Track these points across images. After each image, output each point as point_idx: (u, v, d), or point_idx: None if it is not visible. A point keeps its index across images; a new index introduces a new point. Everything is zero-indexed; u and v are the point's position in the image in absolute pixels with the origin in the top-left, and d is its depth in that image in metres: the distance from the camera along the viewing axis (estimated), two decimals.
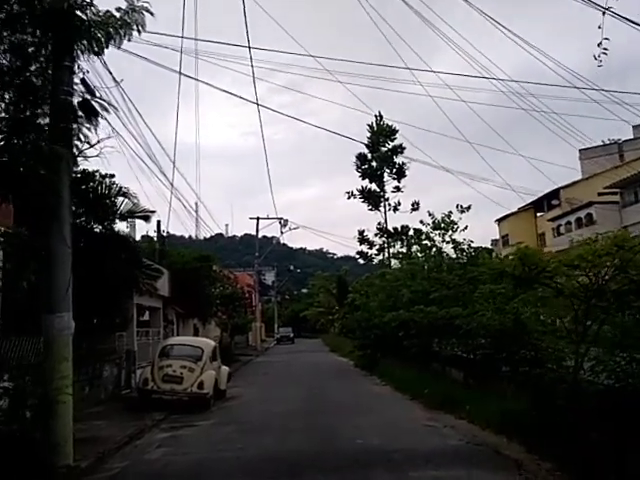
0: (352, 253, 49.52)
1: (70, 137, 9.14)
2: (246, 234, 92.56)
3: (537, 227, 54.44)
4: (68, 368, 8.88)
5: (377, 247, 35.99)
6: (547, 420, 9.13)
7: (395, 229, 35.52)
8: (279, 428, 12.27)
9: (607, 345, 8.73)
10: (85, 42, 8.53)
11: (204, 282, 28.72)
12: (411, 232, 31.37)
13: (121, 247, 15.63)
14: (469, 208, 21.45)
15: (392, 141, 35.83)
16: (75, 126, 9.10)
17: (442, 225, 20.79)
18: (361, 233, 36.23)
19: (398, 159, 35.96)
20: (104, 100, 9.42)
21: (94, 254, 14.15)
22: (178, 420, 13.71)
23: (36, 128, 9.31)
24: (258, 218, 51.45)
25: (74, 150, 10.58)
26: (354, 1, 13.31)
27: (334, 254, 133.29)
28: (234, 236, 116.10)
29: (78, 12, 8.66)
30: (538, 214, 54.70)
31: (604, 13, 6.48)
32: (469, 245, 20.01)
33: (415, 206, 35.05)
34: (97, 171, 14.80)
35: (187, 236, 56.67)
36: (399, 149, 35.56)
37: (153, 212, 16.49)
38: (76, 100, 9.65)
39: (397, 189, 36.05)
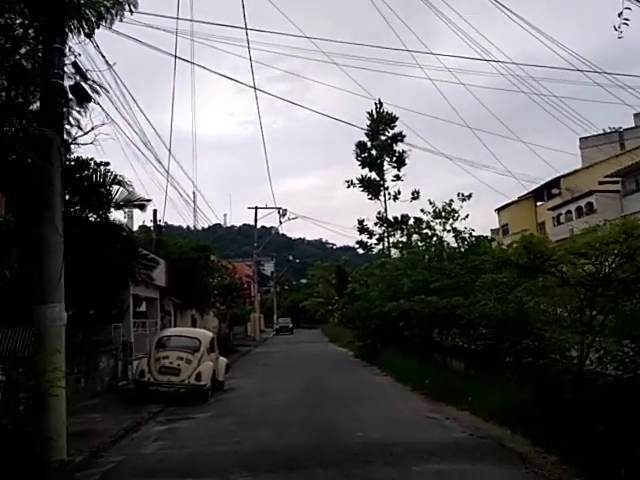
0: (351, 243, 49.40)
1: (61, 122, 8.88)
2: (245, 224, 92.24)
3: (537, 216, 54.09)
4: (60, 360, 8.64)
5: (377, 236, 35.78)
6: (552, 412, 8.91)
7: (395, 218, 35.27)
8: (277, 420, 12.05)
9: (615, 335, 8.47)
10: (75, 22, 8.19)
11: (202, 272, 28.47)
12: (411, 221, 31.12)
13: (116, 236, 15.40)
14: (470, 196, 21.27)
15: (392, 129, 35.53)
16: (66, 110, 8.78)
17: (443, 214, 20.54)
18: (361, 222, 36.02)
19: (398, 147, 35.73)
20: (96, 83, 9.06)
21: (89, 243, 13.92)
22: (175, 412, 13.49)
23: (27, 113, 9.05)
24: (256, 208, 51.19)
25: (66, 136, 10.37)
26: None
27: (333, 244, 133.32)
28: (232, 226, 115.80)
29: None
30: (538, 203, 54.31)
31: None
32: (470, 234, 19.79)
33: (415, 195, 34.83)
34: (92, 159, 14.56)
35: (185, 226, 56.35)
36: (399, 137, 35.26)
37: (149, 201, 16.26)
38: (68, 84, 9.40)
39: (397, 178, 35.82)
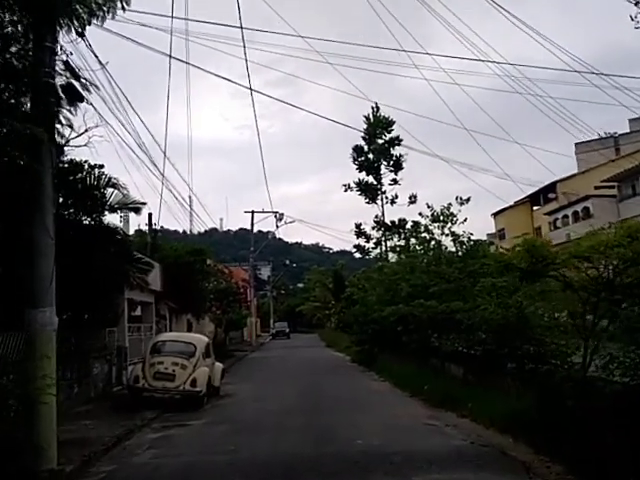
0: (348, 247, 49.11)
1: (52, 122, 8.66)
2: (241, 228, 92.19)
3: (533, 221, 54.10)
4: (51, 366, 8.39)
5: (374, 241, 35.52)
6: (555, 419, 8.70)
7: (392, 222, 35.04)
8: (274, 428, 11.80)
9: (621, 341, 8.27)
10: (66, 19, 7.98)
11: (198, 276, 28.18)
12: (409, 225, 30.92)
13: (111, 240, 15.19)
14: (468, 200, 21.08)
15: (389, 133, 35.32)
16: (58, 110, 8.57)
17: (441, 217, 20.36)
18: (358, 226, 35.75)
19: (395, 151, 35.53)
20: (88, 81, 8.84)
21: (82, 247, 13.71)
22: (170, 419, 13.23)
23: (17, 113, 8.82)
24: (253, 212, 51.04)
25: (59, 138, 10.16)
26: None
27: (330, 248, 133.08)
28: (229, 230, 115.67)
29: None
30: (535, 208, 54.38)
31: None
32: (469, 238, 19.62)
33: (412, 199, 34.62)
34: (86, 161, 14.38)
35: (181, 231, 56.05)
36: (396, 141, 35.04)
37: (144, 204, 16.03)
38: (59, 83, 9.19)
39: (394, 181, 35.61)
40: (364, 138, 35.72)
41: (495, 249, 20.30)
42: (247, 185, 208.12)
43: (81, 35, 9.48)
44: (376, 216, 35.59)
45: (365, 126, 35.12)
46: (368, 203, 35.85)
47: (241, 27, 11.76)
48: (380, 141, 35.50)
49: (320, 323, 71.58)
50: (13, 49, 8.84)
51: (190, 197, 49.19)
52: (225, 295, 35.85)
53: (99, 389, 16.44)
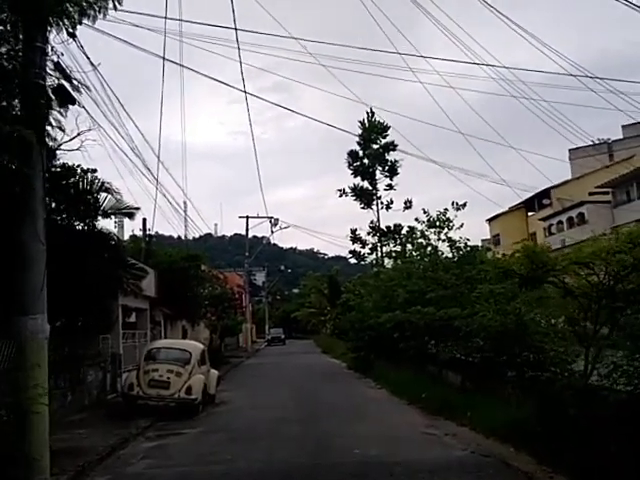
0: (343, 253, 48.93)
1: (43, 124, 8.46)
2: (236, 234, 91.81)
3: (528, 226, 54.18)
4: (43, 375, 8.20)
5: (370, 246, 35.32)
6: (558, 429, 8.55)
7: (388, 228, 34.88)
8: (270, 437, 11.59)
9: (625, 349, 8.13)
10: (56, 18, 7.81)
11: (192, 282, 27.96)
12: (404, 231, 30.79)
13: (104, 245, 14.98)
14: (464, 205, 20.91)
15: (384, 138, 35.20)
16: (49, 112, 8.39)
17: (437, 223, 20.21)
18: (353, 232, 35.55)
19: (390, 156, 35.41)
20: (79, 81, 8.68)
21: (75, 253, 13.50)
22: (164, 428, 13.02)
23: (7, 116, 8.64)
24: (248, 217, 50.81)
25: (51, 142, 9.98)
26: None
27: (325, 254, 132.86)
28: (224, 236, 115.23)
29: None
30: (529, 213, 54.48)
31: None
32: (465, 244, 19.48)
33: (408, 204, 34.46)
34: (79, 166, 14.18)
35: (176, 236, 55.78)
36: (391, 146, 34.93)
37: (137, 209, 15.80)
38: (50, 84, 9.02)
39: (389, 187, 35.46)
40: (359, 143, 35.63)
41: (492, 255, 20.17)
42: (242, 191, 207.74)
43: (72, 36, 9.29)
44: (371, 221, 35.46)
45: (360, 131, 35.04)
46: (363, 208, 35.74)
47: (235, 28, 11.62)
48: (375, 146, 35.39)
49: (315, 329, 71.31)
50: (3, 49, 8.67)
51: (185, 202, 48.97)
52: (220, 301, 35.61)
53: (93, 397, 16.22)
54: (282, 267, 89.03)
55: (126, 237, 30.98)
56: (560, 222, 46.43)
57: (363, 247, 35.45)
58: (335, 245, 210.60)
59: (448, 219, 20.17)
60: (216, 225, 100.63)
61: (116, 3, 8.24)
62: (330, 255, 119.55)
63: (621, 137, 52.10)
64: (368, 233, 35.31)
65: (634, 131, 49.21)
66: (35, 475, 7.96)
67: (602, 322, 9.75)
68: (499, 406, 11.45)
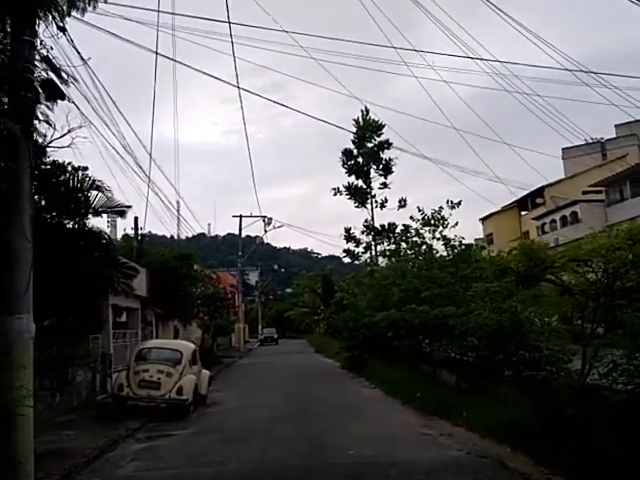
0: (337, 252, 48.66)
1: (30, 119, 8.22)
2: (229, 233, 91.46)
3: (521, 225, 54.23)
4: (28, 376, 7.95)
5: (364, 245, 35.13)
6: (556, 428, 8.40)
7: (382, 226, 34.69)
8: (263, 437, 11.39)
9: (624, 347, 7.98)
10: (45, 10, 7.58)
11: (185, 282, 27.70)
12: (399, 229, 30.60)
13: (94, 244, 14.77)
14: (459, 204, 20.78)
15: (378, 136, 34.98)
16: (34, 106, 8.16)
17: (432, 221, 20.05)
18: (347, 230, 35.32)
19: (385, 155, 35.20)
20: (68, 74, 8.45)
21: (65, 251, 13.29)
22: (155, 429, 12.81)
23: None
24: (241, 216, 50.55)
25: (40, 137, 9.77)
26: None
27: (318, 254, 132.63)
28: (217, 236, 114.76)
29: None
30: (522, 213, 54.54)
31: None
32: (460, 242, 19.33)
33: (402, 203, 34.23)
34: (69, 163, 13.97)
35: (169, 236, 55.46)
36: (386, 144, 34.73)
37: (129, 207, 15.60)
38: (39, 79, 8.79)
39: (384, 185, 35.22)
40: (354, 141, 35.40)
41: (487, 254, 20.05)
42: (235, 190, 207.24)
43: (62, 29, 9.10)
44: (366, 220, 35.25)
45: (354, 129, 34.82)
46: (357, 207, 35.51)
47: (229, 22, 11.42)
48: (370, 145, 35.19)
49: (309, 329, 71.15)
50: None
51: (178, 202, 48.64)
52: (213, 301, 35.35)
53: (82, 397, 15.97)
54: (275, 267, 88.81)
55: (119, 237, 30.83)
56: (553, 221, 46.48)
57: (357, 246, 35.25)
58: (329, 245, 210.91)
59: (443, 217, 20.03)
60: (209, 225, 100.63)
61: None
62: (324, 255, 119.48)
63: (614, 136, 52.20)
64: (362, 232, 35.11)
65: (627, 130, 49.35)
66: (20, 479, 7.72)
67: (600, 320, 9.63)
68: (495, 406, 11.31)
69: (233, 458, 9.63)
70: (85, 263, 13.95)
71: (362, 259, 35.56)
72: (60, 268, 12.92)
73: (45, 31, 8.88)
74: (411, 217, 21.34)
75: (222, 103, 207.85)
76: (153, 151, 35.46)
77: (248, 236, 69.32)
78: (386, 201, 35.26)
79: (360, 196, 35.32)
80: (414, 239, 21.03)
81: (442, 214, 20.15)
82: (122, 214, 16.06)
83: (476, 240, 52.82)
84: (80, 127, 12.79)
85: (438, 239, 19.93)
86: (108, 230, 31.38)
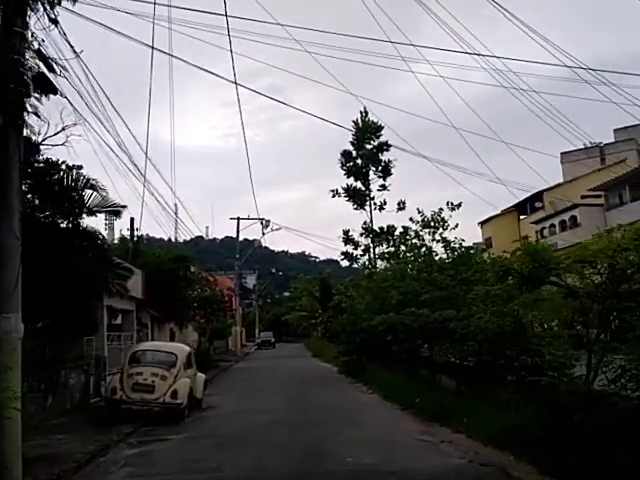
0: (334, 256, 48.44)
1: (20, 112, 7.96)
2: (227, 237, 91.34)
3: (520, 230, 54.05)
4: (15, 378, 7.67)
5: (362, 247, 34.84)
6: (561, 436, 8.13)
7: (381, 229, 34.42)
8: (259, 443, 11.09)
9: (632, 352, 7.73)
10: None
11: (181, 284, 27.40)
12: (398, 232, 30.37)
13: (89, 244, 14.51)
14: (460, 205, 20.52)
15: (378, 138, 34.77)
16: (24, 99, 7.90)
17: (432, 223, 19.79)
18: (346, 233, 35.02)
19: (384, 156, 34.96)
20: (59, 65, 8.20)
21: (58, 251, 13.04)
22: (148, 433, 12.50)
23: None
24: (239, 218, 50.29)
25: (30, 133, 9.53)
26: None
27: (316, 257, 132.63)
28: (215, 239, 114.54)
29: None
30: (521, 217, 54.40)
31: None
32: (461, 244, 19.09)
33: (401, 205, 33.98)
34: (64, 162, 13.76)
35: (166, 238, 55.20)
36: (385, 146, 34.48)
37: (124, 207, 15.37)
38: (30, 73, 8.54)
39: (383, 187, 34.96)
40: (352, 143, 35.17)
41: (488, 256, 19.82)
42: (234, 194, 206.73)
43: (54, 21, 8.86)
44: (364, 222, 34.99)
45: (354, 131, 34.58)
46: (356, 209, 35.24)
47: (226, 15, 11.17)
48: (369, 146, 34.96)
49: (306, 332, 70.84)
50: None
51: (176, 205, 48.24)
52: (209, 303, 35.04)
53: (75, 400, 15.67)
54: (273, 270, 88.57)
55: (116, 238, 30.54)
56: (552, 225, 46.36)
57: (355, 248, 34.94)
58: (326, 248, 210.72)
59: (443, 219, 19.77)
60: (207, 228, 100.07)
61: None
62: (321, 258, 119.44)
63: (613, 140, 52.14)
64: (361, 234, 34.84)
65: (626, 135, 49.30)
66: None
67: (605, 324, 9.40)
68: (497, 412, 11.03)
69: (228, 464, 9.34)
70: (79, 263, 13.70)
71: (360, 262, 35.31)
72: (53, 268, 12.69)
73: (37, 23, 8.70)
74: (411, 219, 21.15)
75: (221, 106, 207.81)
76: (150, 154, 35.18)
77: (246, 239, 69.14)
78: (385, 203, 35.05)
79: (359, 198, 35.06)
80: (413, 241, 20.80)
81: (442, 216, 19.91)
82: (117, 214, 15.82)
83: (475, 244, 52.67)
84: (75, 125, 12.60)
85: (438, 241, 19.73)
86: (105, 232, 31.18)
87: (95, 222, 28.49)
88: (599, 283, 8.77)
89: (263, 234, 49.88)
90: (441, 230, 19.68)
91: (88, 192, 14.14)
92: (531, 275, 9.13)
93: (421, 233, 20.27)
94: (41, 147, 13.30)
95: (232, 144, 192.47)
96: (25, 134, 10.17)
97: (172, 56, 14.61)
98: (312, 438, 11.45)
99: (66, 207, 13.94)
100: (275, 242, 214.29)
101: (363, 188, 35.18)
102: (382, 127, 34.34)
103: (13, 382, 7.57)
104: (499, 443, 9.72)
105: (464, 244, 19.42)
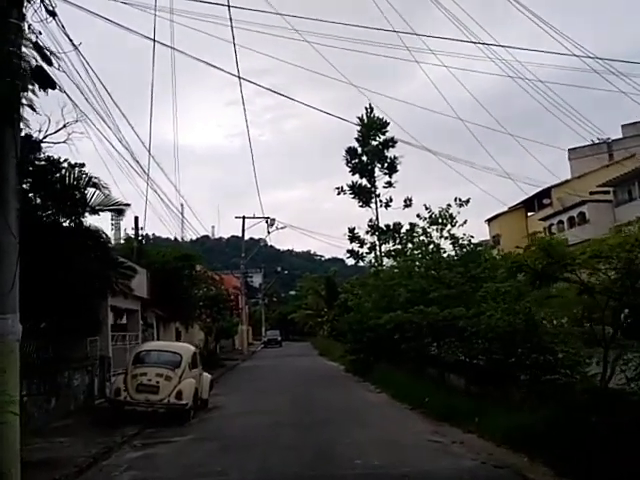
0: (340, 255, 48.14)
1: (16, 107, 7.74)
2: (233, 236, 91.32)
3: (528, 227, 53.59)
4: (12, 380, 7.43)
5: (368, 245, 34.46)
6: (578, 437, 7.83)
7: (387, 226, 34.05)
8: (265, 445, 10.82)
9: None
10: None
11: (186, 283, 27.20)
12: (405, 229, 30.03)
13: (92, 243, 14.31)
14: (468, 202, 20.14)
15: (383, 134, 34.36)
16: (20, 93, 7.68)
17: (440, 220, 19.43)
18: (351, 230, 34.65)
19: (390, 153, 34.57)
20: (53, 54, 7.96)
21: (61, 250, 12.84)
22: (152, 435, 12.25)
23: None
24: (244, 217, 50.16)
25: (24, 126, 9.34)
26: None
27: (322, 256, 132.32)
28: (221, 238, 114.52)
29: None
30: (529, 213, 53.93)
31: None
32: (469, 241, 18.74)
33: (408, 202, 33.57)
34: (65, 160, 13.56)
35: (173, 238, 55.09)
36: (391, 142, 34.12)
37: (127, 205, 15.17)
38: (27, 66, 8.33)
39: (389, 184, 34.55)
40: (357, 140, 34.79)
41: (497, 253, 19.48)
42: (239, 193, 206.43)
43: (52, 13, 8.63)
44: (370, 220, 34.63)
45: (358, 128, 34.21)
46: (362, 207, 34.86)
47: (228, 5, 10.91)
48: (374, 143, 34.58)
49: (312, 331, 70.68)
50: None
51: (182, 205, 48.09)
52: (215, 302, 34.81)
53: (80, 402, 15.46)
54: (279, 269, 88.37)
55: (122, 238, 30.36)
56: (561, 222, 45.87)
57: (361, 246, 34.55)
58: (332, 246, 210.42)
59: (451, 215, 19.39)
60: (213, 227, 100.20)
61: None
62: (327, 257, 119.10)
63: (621, 136, 51.60)
64: (367, 232, 34.47)
65: (634, 130, 48.73)
66: None
67: (621, 321, 9.11)
68: (509, 411, 10.73)
69: (234, 468, 9.08)
70: (81, 262, 13.52)
71: (366, 260, 34.94)
72: (55, 267, 12.49)
73: (34, 15, 8.47)
74: (418, 215, 20.77)
75: (225, 105, 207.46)
76: (156, 155, 34.97)
77: (252, 238, 69.05)
78: (391, 200, 34.62)
79: (364, 195, 34.68)
80: (421, 238, 20.46)
81: (450, 212, 19.53)
82: (121, 212, 15.65)
83: (482, 242, 52.27)
84: (76, 121, 12.41)
85: (446, 238, 19.36)
86: (112, 232, 31.07)
87: (101, 222, 28.29)
88: (615, 279, 8.47)
89: (268, 233, 49.85)
90: (449, 227, 19.33)
91: (90, 190, 13.96)
92: (545, 271, 8.84)
93: (429, 230, 19.92)
94: (42, 145, 13.21)
95: (237, 144, 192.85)
96: (24, 130, 10.01)
97: (174, 49, 14.36)
98: (320, 439, 11.18)
99: (68, 206, 13.76)
100: (280, 241, 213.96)
101: (369, 185, 34.80)
102: (388, 123, 34.00)
103: (10, 385, 7.33)
104: (513, 444, 9.43)
105: (473, 241, 19.06)
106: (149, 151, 19.16)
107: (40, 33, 8.41)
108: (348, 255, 35.91)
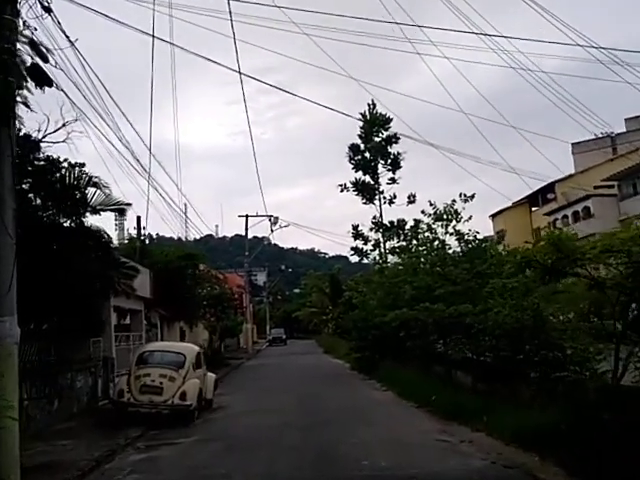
0: (343, 252, 47.98)
1: (11, 104, 7.57)
2: (236, 235, 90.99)
3: (532, 222, 53.33)
4: (10, 385, 7.29)
5: (372, 242, 34.27)
6: (590, 435, 7.64)
7: (391, 223, 33.85)
8: (270, 446, 10.65)
9: None
10: None
11: (190, 282, 27.06)
12: (409, 226, 29.79)
13: (93, 243, 14.15)
14: (473, 197, 19.90)
15: (386, 130, 34.11)
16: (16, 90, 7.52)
17: (445, 215, 19.20)
18: (355, 228, 34.45)
19: (393, 149, 34.33)
20: (46, 50, 7.80)
21: (61, 251, 12.71)
22: (156, 437, 12.10)
23: None
24: (247, 216, 50.02)
25: (35, 133, 9.22)
26: None
27: (325, 253, 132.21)
28: (224, 237, 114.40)
29: None
30: (533, 208, 53.67)
31: None
32: (475, 237, 18.52)
33: (412, 199, 33.31)
34: (65, 159, 13.40)
35: (176, 238, 54.99)
36: (394, 138, 33.88)
37: (129, 204, 15.00)
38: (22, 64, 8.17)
39: (392, 181, 34.34)
40: (360, 136, 34.57)
41: (503, 248, 19.26)
42: (242, 191, 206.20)
43: (47, 10, 8.47)
44: (374, 217, 34.42)
45: (361, 124, 33.97)
46: (365, 203, 34.66)
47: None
48: (377, 139, 34.34)
49: (317, 329, 70.57)
50: None
51: (185, 204, 47.93)
52: (219, 301, 34.67)
53: (83, 404, 15.33)
54: (283, 267, 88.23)
55: (126, 238, 30.22)
56: (565, 216, 45.63)
57: (365, 243, 34.36)
58: (335, 244, 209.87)
59: (456, 211, 19.15)
60: (217, 226, 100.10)
61: None
62: (331, 254, 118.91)
63: (624, 130, 51.23)
64: (370, 229, 34.27)
65: (637, 124, 48.37)
66: None
67: (632, 316, 8.92)
68: (518, 410, 10.55)
69: (238, 470, 8.92)
70: (83, 263, 13.37)
71: (370, 257, 34.75)
72: (56, 268, 12.35)
73: (29, 12, 8.32)
74: (422, 211, 20.54)
75: (227, 104, 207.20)
76: (157, 154, 34.80)
77: (255, 237, 68.89)
78: (395, 197, 34.44)
79: (368, 192, 34.47)
80: (426, 234, 20.24)
81: (455, 208, 19.30)
82: (122, 212, 15.51)
83: (486, 237, 51.97)
84: (75, 120, 12.25)
85: (451, 234, 19.14)
86: (116, 232, 30.95)
87: (104, 222, 28.16)
88: (627, 274, 8.27)
89: (272, 231, 49.68)
90: (454, 223, 19.11)
91: (91, 190, 13.81)
92: (554, 266, 8.65)
93: (433, 226, 19.69)
94: (42, 144, 13.07)
95: (239, 142, 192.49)
96: (22, 129, 9.85)
97: (173, 44, 14.18)
98: (325, 440, 11.02)
99: (68, 206, 13.61)
100: (284, 239, 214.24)
101: (372, 182, 34.59)
102: (391, 119, 33.74)
103: (8, 390, 7.19)
104: (522, 443, 9.24)
105: (479, 236, 18.84)
106: (150, 150, 18.94)
107: (35, 29, 8.25)
108: (352, 252, 35.78)
